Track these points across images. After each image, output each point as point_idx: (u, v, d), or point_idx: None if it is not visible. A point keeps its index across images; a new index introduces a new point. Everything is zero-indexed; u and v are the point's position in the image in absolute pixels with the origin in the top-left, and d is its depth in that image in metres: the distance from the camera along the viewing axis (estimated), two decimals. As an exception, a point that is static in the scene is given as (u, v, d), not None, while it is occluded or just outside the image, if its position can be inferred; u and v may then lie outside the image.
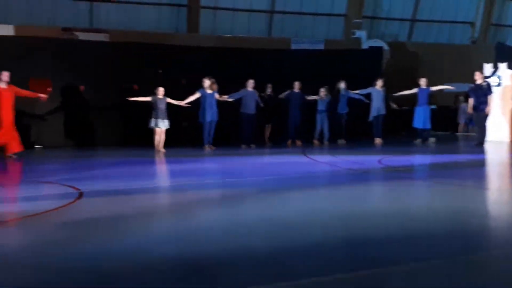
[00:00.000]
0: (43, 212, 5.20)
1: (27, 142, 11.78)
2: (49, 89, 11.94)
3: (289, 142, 13.77)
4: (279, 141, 13.95)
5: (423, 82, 13.92)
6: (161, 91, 11.95)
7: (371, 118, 14.09)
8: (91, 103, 13.49)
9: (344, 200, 5.95)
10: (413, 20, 22.55)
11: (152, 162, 10.44)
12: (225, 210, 5.48)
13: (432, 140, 13.74)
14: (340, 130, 14.25)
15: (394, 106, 14.82)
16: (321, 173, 8.66)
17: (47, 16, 18.00)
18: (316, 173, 8.59)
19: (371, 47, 18.24)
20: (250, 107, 13.17)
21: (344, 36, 21.03)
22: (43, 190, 6.74)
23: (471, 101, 13.34)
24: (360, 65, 15.48)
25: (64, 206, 5.49)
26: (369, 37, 20.39)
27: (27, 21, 17.41)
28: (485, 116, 13.04)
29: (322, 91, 13.91)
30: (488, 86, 13.16)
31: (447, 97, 18.42)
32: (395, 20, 22.37)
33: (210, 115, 12.46)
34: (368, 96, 14.12)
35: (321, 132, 14.01)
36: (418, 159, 11.08)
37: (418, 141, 13.79)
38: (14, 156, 10.42)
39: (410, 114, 14.44)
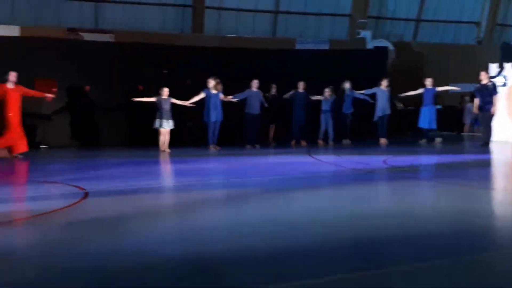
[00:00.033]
0: (49, 212, 5.22)
1: (32, 142, 11.84)
2: (54, 89, 11.99)
3: (293, 142, 13.75)
4: (283, 141, 13.94)
5: (428, 82, 13.90)
6: (165, 91, 11.97)
7: (376, 118, 14.07)
8: (96, 104, 13.53)
9: (348, 200, 5.94)
10: (418, 20, 22.50)
11: (157, 162, 10.46)
12: (230, 210, 5.49)
13: (438, 140, 13.70)
14: (345, 130, 14.23)
15: (400, 105, 14.77)
16: (326, 173, 8.65)
17: (53, 17, 18.06)
18: (320, 173, 8.58)
19: (376, 47, 18.22)
20: (254, 107, 13.18)
21: (349, 36, 21.00)
22: (49, 190, 6.76)
23: (476, 101, 13.31)
24: (365, 65, 15.46)
25: (70, 206, 5.51)
26: (374, 37, 20.36)
27: (32, 22, 17.48)
28: (490, 116, 12.99)
29: (327, 91, 13.89)
30: (494, 86, 13.12)
31: (453, 97, 18.38)
32: (400, 20, 22.32)
33: (215, 115, 12.47)
34: (373, 96, 14.10)
35: (326, 132, 14.00)
36: (423, 159, 11.05)
37: (423, 141, 13.76)
38: (20, 156, 10.48)
39: (415, 114, 14.41)
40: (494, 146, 12.77)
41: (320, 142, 13.88)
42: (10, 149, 10.59)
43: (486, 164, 9.79)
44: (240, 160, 10.66)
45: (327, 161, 10.51)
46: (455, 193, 6.45)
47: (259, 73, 13.53)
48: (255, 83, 13.15)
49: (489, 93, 12.93)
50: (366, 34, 19.93)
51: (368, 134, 14.59)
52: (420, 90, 13.95)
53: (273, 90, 13.90)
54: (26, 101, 10.89)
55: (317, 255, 3.73)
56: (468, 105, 17.31)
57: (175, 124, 12.11)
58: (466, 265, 3.49)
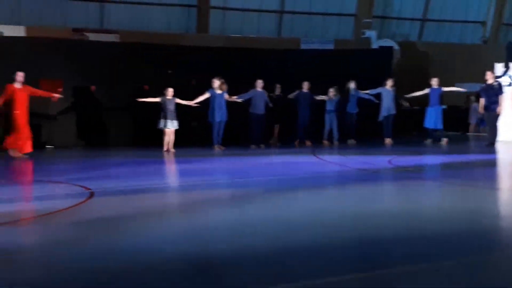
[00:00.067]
0: (54, 211, 5.24)
1: (38, 142, 11.88)
2: (60, 89, 12.04)
3: (297, 142, 13.72)
4: (288, 141, 13.93)
5: (434, 82, 13.84)
6: (170, 91, 11.99)
7: (381, 118, 14.04)
8: (101, 103, 13.56)
9: (353, 200, 5.93)
10: (423, 20, 22.43)
11: (162, 162, 10.48)
12: (233, 210, 5.49)
13: (444, 140, 13.64)
14: (350, 130, 14.20)
15: (405, 103, 14.65)
16: (331, 173, 8.64)
17: (58, 17, 18.11)
18: (325, 173, 8.57)
19: (381, 47, 18.16)
20: (259, 107, 13.17)
21: (354, 36, 20.97)
22: (55, 190, 6.78)
23: (482, 101, 13.25)
24: (370, 65, 15.42)
25: (75, 205, 5.52)
26: (379, 37, 20.31)
27: (37, 22, 17.55)
28: (496, 116, 12.93)
29: (331, 91, 13.87)
30: (499, 86, 13.06)
31: (458, 97, 18.29)
32: (406, 20, 22.26)
33: (219, 115, 12.48)
34: (378, 96, 14.07)
35: (331, 132, 13.97)
36: (429, 160, 11.02)
37: (429, 141, 13.71)
38: (25, 156, 10.52)
39: (420, 114, 14.36)
40: (499, 146, 12.72)
41: (325, 142, 13.85)
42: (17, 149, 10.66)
43: (491, 164, 9.75)
44: (244, 160, 10.66)
45: (331, 161, 10.49)
46: (461, 193, 6.43)
47: (264, 73, 13.51)
48: (259, 83, 13.14)
49: (494, 93, 12.87)
50: (371, 34, 19.88)
51: (373, 134, 14.56)
52: (426, 90, 13.90)
53: (278, 90, 13.88)
54: (32, 101, 10.94)
55: (320, 255, 3.72)
56: (474, 105, 17.25)
57: (180, 124, 12.11)
58: (472, 266, 3.48)
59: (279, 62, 15.01)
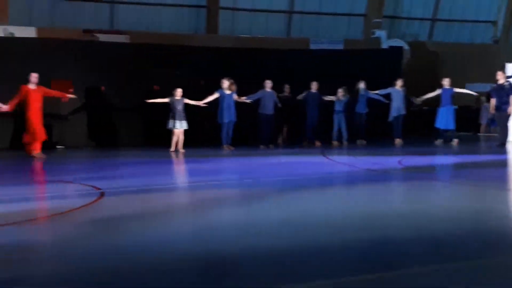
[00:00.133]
0: (66, 211, 5.28)
1: (49, 143, 11.97)
2: (71, 89, 12.13)
3: (306, 142, 13.70)
4: (296, 142, 13.92)
5: (446, 82, 13.76)
6: (179, 92, 12.03)
7: (391, 118, 13.99)
8: (111, 104, 13.64)
9: (363, 201, 5.91)
10: (433, 20, 22.31)
11: (171, 163, 10.52)
12: (241, 210, 5.50)
13: (455, 141, 13.54)
14: (360, 130, 14.16)
15: (417, 101, 14.52)
16: (340, 173, 8.62)
17: (68, 18, 18.22)
18: (334, 173, 8.55)
19: (391, 47, 18.11)
20: (268, 108, 13.17)
21: (363, 36, 20.90)
22: (66, 190, 6.83)
23: (493, 101, 13.16)
24: (380, 65, 15.39)
25: (86, 205, 5.56)
26: (389, 36, 20.24)
27: (49, 23, 17.67)
28: (507, 116, 12.85)
29: (340, 92, 13.84)
30: (510, 86, 12.96)
31: (469, 98, 18.19)
32: (416, 20, 22.16)
33: (228, 115, 12.50)
34: (387, 96, 14.02)
35: (339, 133, 13.94)
36: (439, 160, 10.96)
37: (439, 141, 13.64)
38: (45, 156, 10.65)
39: (430, 114, 14.28)
40: (510, 147, 12.63)
41: (335, 142, 13.83)
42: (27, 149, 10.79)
43: (502, 165, 9.68)
44: (253, 160, 10.67)
45: (341, 161, 10.47)
46: (471, 194, 6.40)
47: (273, 74, 13.53)
48: (268, 84, 13.14)
49: (505, 93, 12.78)
50: (381, 33, 19.82)
51: (382, 134, 14.51)
52: (438, 91, 13.81)
53: (286, 91, 13.87)
54: (43, 101, 11.03)
55: (328, 256, 3.71)
56: (485, 105, 17.14)
57: (189, 124, 12.15)
58: (481, 268, 3.46)
59: (289, 63, 15.00)
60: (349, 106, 14.03)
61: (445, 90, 13.69)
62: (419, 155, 11.16)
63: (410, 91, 14.48)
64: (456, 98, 13.93)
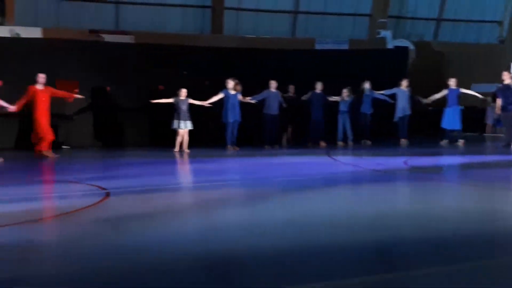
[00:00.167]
0: (72, 211, 5.29)
1: (55, 143, 11.99)
2: (76, 90, 12.16)
3: (310, 143, 13.67)
4: (301, 142, 13.90)
5: (452, 82, 13.69)
6: (183, 92, 12.04)
7: (396, 118, 13.96)
8: (117, 104, 13.66)
9: (368, 201, 5.90)
10: (439, 20, 22.25)
11: (176, 163, 10.53)
12: (246, 210, 5.49)
13: (461, 141, 13.47)
14: (364, 130, 14.13)
15: (425, 101, 14.44)
16: (345, 174, 8.60)
17: (74, 18, 18.29)
18: (339, 174, 8.53)
19: (396, 47, 18.08)
20: (273, 108, 13.16)
21: (369, 36, 20.87)
22: (72, 190, 6.84)
23: (499, 101, 13.09)
24: (385, 65, 15.35)
25: (92, 205, 5.57)
26: (395, 37, 20.21)
27: (54, 24, 17.74)
28: (513, 117, 12.77)
29: (345, 92, 13.81)
30: (517, 86, 12.89)
31: (475, 98, 18.13)
32: (421, 20, 22.10)
33: (233, 116, 12.50)
34: (393, 96, 13.99)
35: (344, 133, 13.91)
36: (445, 160, 10.92)
37: (445, 142, 13.59)
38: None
39: (435, 115, 14.23)
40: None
41: (340, 143, 13.80)
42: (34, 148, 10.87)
43: (508, 165, 9.64)
44: (258, 160, 10.67)
45: (346, 162, 10.45)
46: (477, 195, 6.37)
47: (279, 74, 13.51)
48: (273, 84, 13.13)
49: (511, 93, 12.72)
50: (386, 34, 19.79)
51: (388, 134, 14.48)
52: (444, 91, 13.74)
53: (291, 91, 13.86)
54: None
55: (332, 256, 3.71)
56: (490, 105, 17.08)
57: (194, 124, 12.16)
58: (488, 268, 3.44)
59: (293, 63, 14.99)
60: (354, 106, 14.00)
61: (451, 90, 13.63)
62: (424, 156, 11.13)
63: (416, 92, 14.43)
64: (463, 98, 13.86)
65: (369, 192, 6.56)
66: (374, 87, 14.06)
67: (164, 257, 3.67)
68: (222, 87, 12.52)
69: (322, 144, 13.51)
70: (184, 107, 11.99)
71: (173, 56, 14.12)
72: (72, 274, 3.36)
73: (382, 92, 13.99)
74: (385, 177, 8.04)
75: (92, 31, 17.26)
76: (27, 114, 11.20)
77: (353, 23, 21.34)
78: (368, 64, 15.17)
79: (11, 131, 12.61)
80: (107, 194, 6.19)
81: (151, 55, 14.14)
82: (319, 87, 13.64)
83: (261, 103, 13.16)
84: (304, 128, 14.01)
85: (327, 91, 13.69)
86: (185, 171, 9.88)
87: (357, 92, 14.03)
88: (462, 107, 14.26)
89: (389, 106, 14.03)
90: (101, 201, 5.82)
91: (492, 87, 15.21)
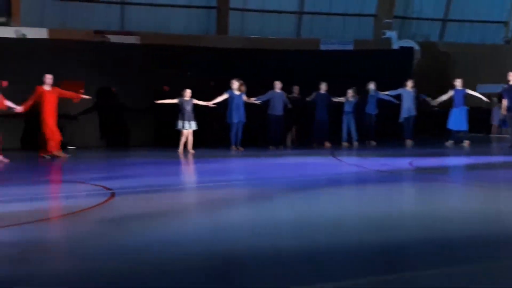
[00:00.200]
0: (77, 211, 5.31)
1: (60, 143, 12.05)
2: (82, 90, 12.19)
3: (315, 143, 13.64)
4: (306, 143, 13.89)
5: (458, 83, 13.63)
6: (187, 93, 12.05)
7: (401, 119, 13.92)
8: (122, 105, 13.70)
9: (372, 202, 5.89)
10: (444, 20, 22.19)
11: (180, 163, 10.55)
12: (250, 210, 5.49)
13: (466, 142, 13.40)
14: (369, 131, 14.10)
15: (433, 103, 14.39)
16: (350, 174, 8.59)
17: (80, 19, 18.35)
18: (344, 174, 8.53)
19: (401, 48, 18.03)
20: (277, 109, 13.16)
21: (374, 37, 20.83)
22: (77, 190, 6.87)
23: (504, 102, 13.05)
24: (391, 66, 15.32)
25: (97, 205, 5.59)
26: (400, 37, 20.16)
27: (60, 24, 17.80)
28: (519, 118, 12.73)
29: (349, 92, 13.79)
30: (522, 86, 12.85)
31: (480, 98, 18.07)
32: (427, 20, 22.04)
33: (237, 116, 12.51)
34: (398, 97, 13.95)
35: (349, 134, 13.89)
36: (450, 161, 10.89)
37: (450, 142, 13.55)
38: (48, 157, 10.71)
39: (441, 115, 14.18)
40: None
41: (345, 143, 13.78)
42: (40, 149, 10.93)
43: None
44: (263, 161, 10.67)
45: (351, 162, 10.44)
46: (482, 196, 6.35)
47: (284, 74, 13.51)
48: (278, 85, 13.12)
49: (517, 93, 12.67)
50: (391, 34, 19.75)
51: (393, 135, 14.45)
52: (450, 92, 13.68)
53: (295, 92, 13.84)
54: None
55: (337, 257, 3.70)
56: (496, 106, 17.01)
57: (198, 125, 12.17)
58: (493, 269, 3.43)
59: (298, 63, 14.98)
60: (359, 107, 13.97)
61: (457, 91, 13.57)
62: (430, 156, 11.10)
63: (421, 92, 14.39)
64: (468, 99, 13.82)
65: (374, 193, 6.55)
66: (379, 87, 14.03)
67: (167, 257, 3.67)
68: (227, 88, 12.53)
69: (327, 144, 13.49)
70: (188, 108, 12.01)
71: (178, 56, 14.14)
72: (76, 273, 3.37)
73: (387, 92, 13.95)
74: (390, 177, 8.03)
75: (97, 32, 17.30)
76: (34, 114, 11.24)
77: (358, 24, 21.30)
78: (373, 64, 15.14)
79: (17, 131, 12.66)
80: (112, 194, 6.21)
81: (156, 55, 14.17)
82: (323, 87, 13.62)
83: (266, 103, 13.15)
84: (309, 129, 13.99)
85: (331, 91, 13.67)
86: (189, 171, 9.90)
87: (362, 92, 14.00)
88: (468, 108, 14.21)
89: (394, 106, 13.99)
90: (106, 201, 5.84)
91: (498, 88, 15.15)
